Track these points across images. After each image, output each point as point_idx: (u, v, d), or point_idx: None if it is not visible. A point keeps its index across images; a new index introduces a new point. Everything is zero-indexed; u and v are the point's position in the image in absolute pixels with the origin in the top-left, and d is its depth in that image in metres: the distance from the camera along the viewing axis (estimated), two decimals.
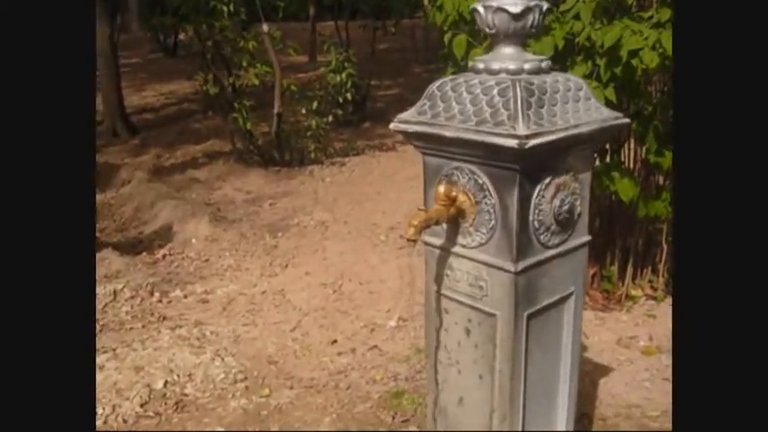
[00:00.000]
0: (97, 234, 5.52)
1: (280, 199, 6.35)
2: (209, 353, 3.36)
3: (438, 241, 1.72)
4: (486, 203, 1.59)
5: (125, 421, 2.83)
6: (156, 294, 4.18)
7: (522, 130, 1.45)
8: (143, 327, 3.73)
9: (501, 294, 1.61)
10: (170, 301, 4.12)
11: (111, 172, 7.31)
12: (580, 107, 1.63)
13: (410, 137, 1.68)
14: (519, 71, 1.59)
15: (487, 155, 1.53)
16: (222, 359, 3.31)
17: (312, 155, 7.47)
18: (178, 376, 3.15)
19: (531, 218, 1.58)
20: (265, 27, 7.03)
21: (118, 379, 3.10)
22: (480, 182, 1.59)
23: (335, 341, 3.54)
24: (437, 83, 1.68)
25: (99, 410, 2.88)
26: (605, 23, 2.89)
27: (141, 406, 2.93)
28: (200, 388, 3.08)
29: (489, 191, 1.58)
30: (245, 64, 7.19)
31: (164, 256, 5.00)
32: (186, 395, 3.03)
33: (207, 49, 7.54)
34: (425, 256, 1.77)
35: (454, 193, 1.62)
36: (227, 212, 5.97)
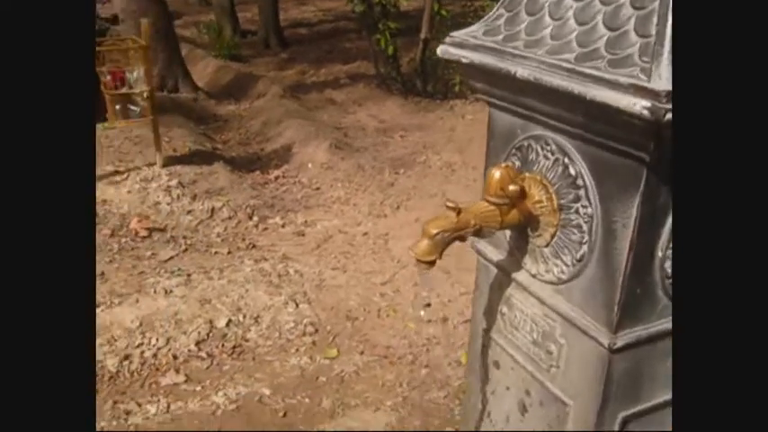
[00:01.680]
0: (218, 146, 5.36)
1: (413, 132, 5.85)
2: (285, 295, 3.00)
3: (495, 254, 1.13)
4: (578, 212, 0.93)
5: (175, 357, 2.55)
6: (255, 219, 3.90)
7: (664, 80, 0.76)
8: (228, 253, 3.45)
9: (581, 377, 0.98)
10: (266, 228, 3.82)
11: (250, 83, 7.16)
12: None
13: (466, 71, 1.07)
14: None
15: (591, 122, 0.86)
16: (297, 305, 2.95)
17: (457, 88, 6.85)
18: (244, 316, 2.83)
19: (658, 252, 0.90)
20: None
21: (181, 309, 2.84)
22: (573, 171, 0.93)
23: (428, 305, 3.06)
24: None
25: (152, 341, 2.63)
26: None
27: (197, 344, 2.64)
28: (264, 334, 2.74)
29: (588, 190, 0.91)
30: None
31: (276, 178, 4.72)
32: (247, 340, 2.70)
33: None
34: (477, 269, 1.20)
35: (515, 186, 0.95)
36: (353, 139, 5.58)
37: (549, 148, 0.95)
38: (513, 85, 0.94)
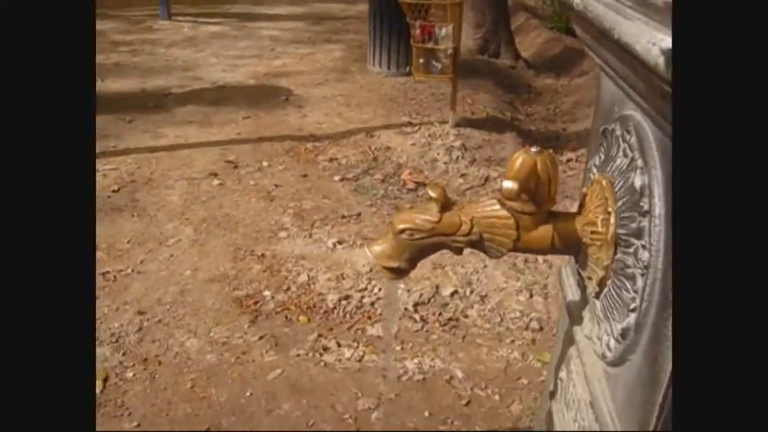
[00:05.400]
0: (519, 117, 5.20)
1: None
2: (523, 282, 2.79)
3: (572, 290, 0.79)
4: (636, 255, 0.58)
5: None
6: None
7: None
8: None
9: None
10: None
11: (576, 59, 6.79)
12: None
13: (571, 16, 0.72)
14: None
15: (649, 87, 0.52)
16: (531, 296, 2.72)
17: None
18: (471, 292, 2.69)
19: None
20: None
21: (417, 272, 2.80)
22: (639, 184, 0.57)
23: None
24: None
25: (375, 290, 2.65)
26: None
27: (415, 305, 2.59)
28: (485, 317, 2.58)
29: (654, 221, 0.55)
30: None
31: (567, 161, 4.41)
32: (465, 317, 2.57)
33: None
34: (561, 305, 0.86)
35: (511, 185, 0.62)
36: None
37: (629, 138, 0.61)
38: (596, 33, 0.62)
